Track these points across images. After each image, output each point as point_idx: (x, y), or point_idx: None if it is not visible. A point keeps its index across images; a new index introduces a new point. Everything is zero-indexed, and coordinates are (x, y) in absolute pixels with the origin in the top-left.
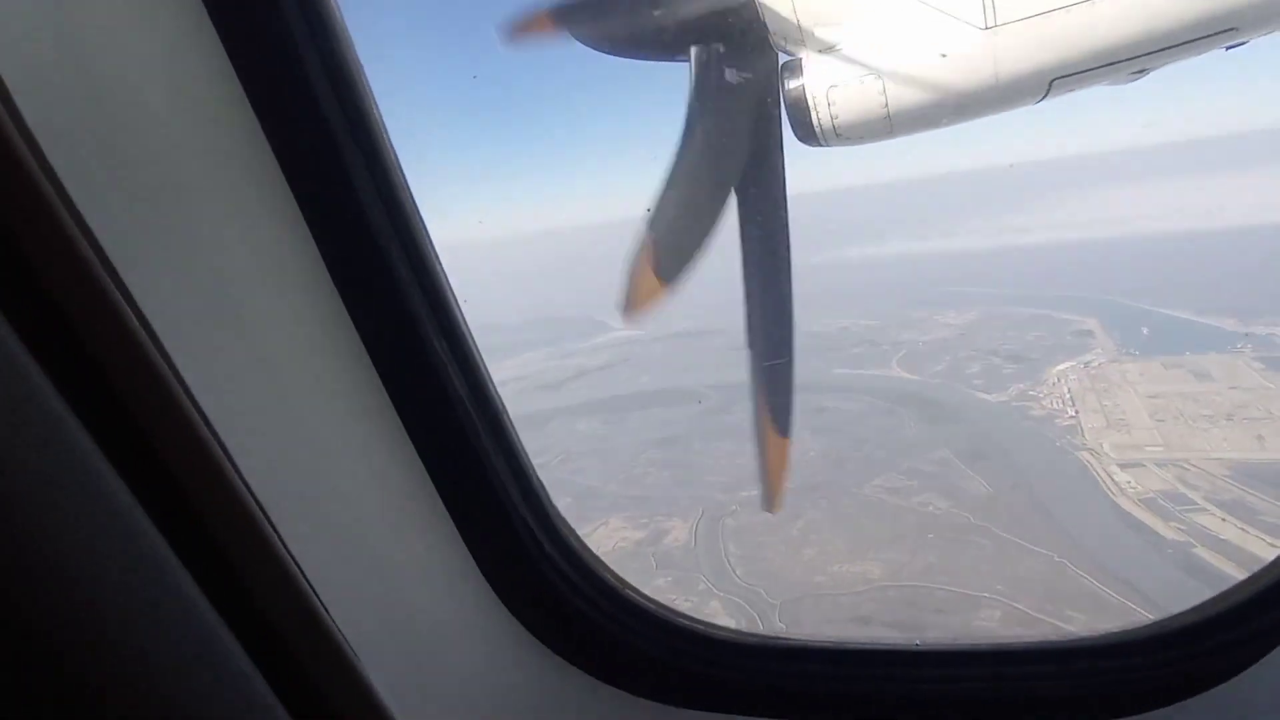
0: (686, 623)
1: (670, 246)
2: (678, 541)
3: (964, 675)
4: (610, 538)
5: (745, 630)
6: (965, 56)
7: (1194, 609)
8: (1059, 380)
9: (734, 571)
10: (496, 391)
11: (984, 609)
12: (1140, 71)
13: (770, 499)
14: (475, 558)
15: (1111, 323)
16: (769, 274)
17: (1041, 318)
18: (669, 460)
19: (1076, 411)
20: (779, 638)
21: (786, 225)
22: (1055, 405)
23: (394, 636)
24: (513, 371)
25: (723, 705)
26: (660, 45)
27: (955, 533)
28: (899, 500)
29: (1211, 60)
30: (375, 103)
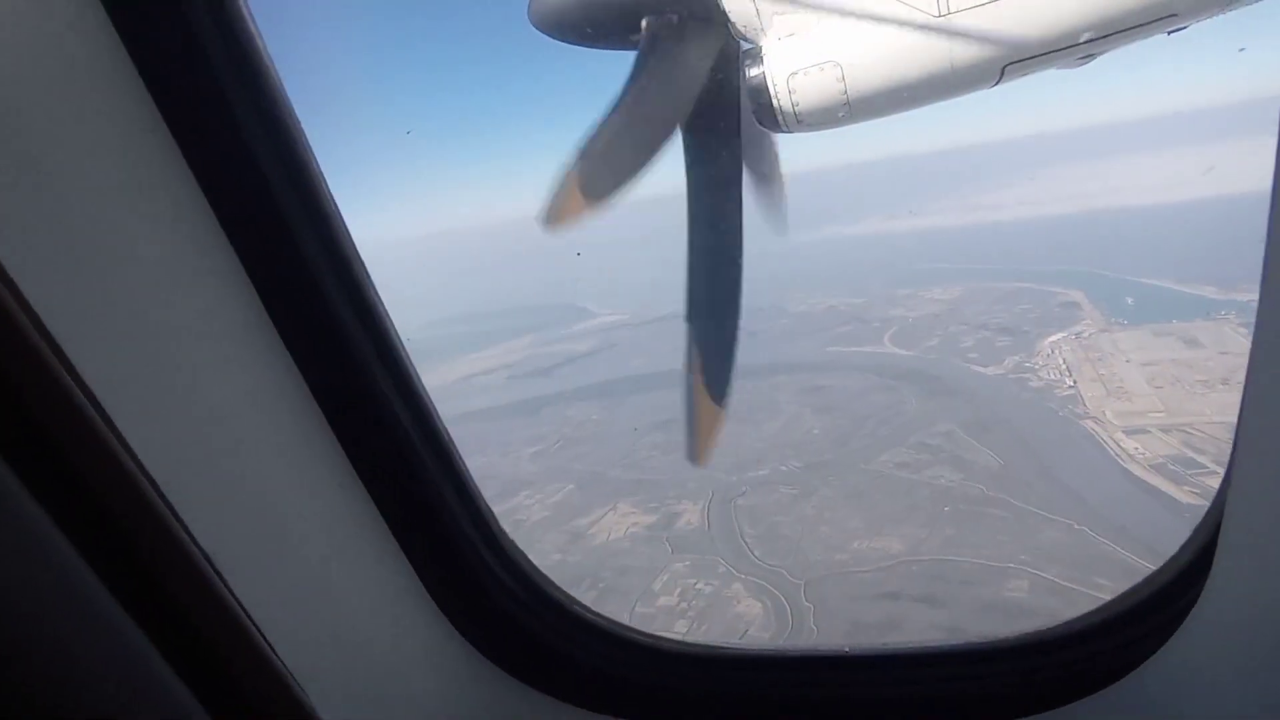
0: (635, 636)
1: (601, 168)
2: (691, 524)
3: (891, 678)
4: (620, 523)
5: (692, 641)
6: (921, 44)
7: (1098, 609)
8: (1053, 351)
9: (752, 553)
10: (442, 422)
11: (1011, 579)
12: (1088, 56)
13: (697, 452)
14: (424, 582)
15: (1096, 294)
16: (718, 250)
17: (1025, 291)
18: (672, 443)
19: (1075, 381)
20: (724, 647)
21: (739, 207)
22: (1053, 376)
23: (345, 666)
24: (500, 359)
25: (674, 715)
26: (619, 32)
27: (971, 505)
28: (910, 474)
29: (1157, 43)
30: (296, 119)
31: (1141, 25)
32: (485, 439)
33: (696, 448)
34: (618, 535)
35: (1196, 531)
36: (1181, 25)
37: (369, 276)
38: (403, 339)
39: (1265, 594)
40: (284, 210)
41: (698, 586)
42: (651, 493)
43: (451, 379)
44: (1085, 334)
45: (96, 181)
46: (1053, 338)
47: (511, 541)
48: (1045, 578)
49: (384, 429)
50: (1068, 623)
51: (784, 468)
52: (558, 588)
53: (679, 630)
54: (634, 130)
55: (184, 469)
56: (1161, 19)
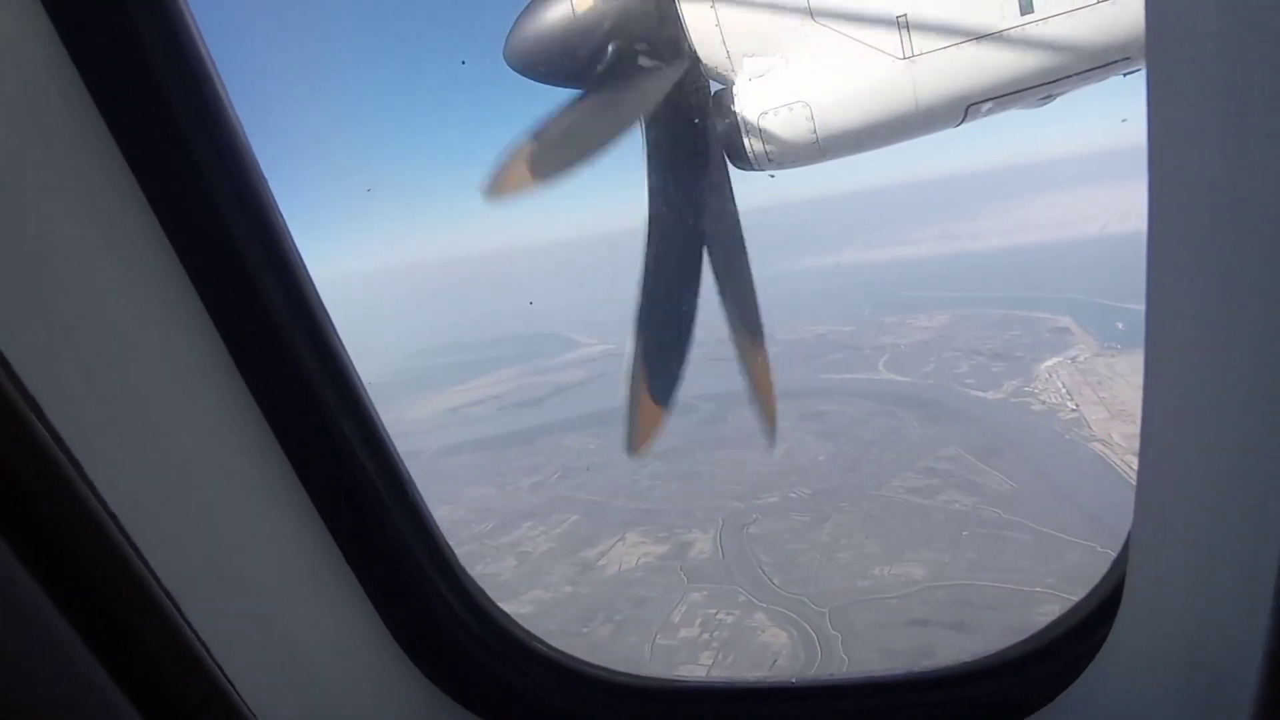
0: (591, 670)
1: (551, 150)
2: (704, 553)
3: (830, 709)
4: (630, 553)
5: (645, 675)
6: (887, 84)
7: (1021, 641)
8: (1051, 376)
9: (771, 581)
10: (401, 460)
11: (1041, 604)
12: (1048, 97)
13: (635, 443)
14: (384, 620)
15: (1084, 319)
16: (682, 258)
17: (1013, 318)
18: (674, 472)
19: (1077, 405)
20: (678, 680)
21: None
22: (1054, 400)
23: (299, 697)
24: (488, 390)
25: None
26: (592, 72)
27: (990, 529)
28: (922, 499)
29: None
30: (241, 129)
31: (1098, 68)
32: (480, 470)
33: (634, 439)
34: (629, 566)
35: (1113, 566)
36: (1136, 68)
37: (329, 320)
38: (363, 379)
39: (1168, 626)
40: (246, 262)
41: (719, 617)
42: (659, 522)
43: (440, 409)
44: (1081, 358)
45: (49, 210)
46: (1049, 362)
47: (469, 576)
48: (1073, 600)
49: (341, 462)
50: (994, 654)
51: (793, 494)
52: (514, 621)
53: (704, 663)
54: (590, 122)
55: (141, 500)
56: (1116, 62)
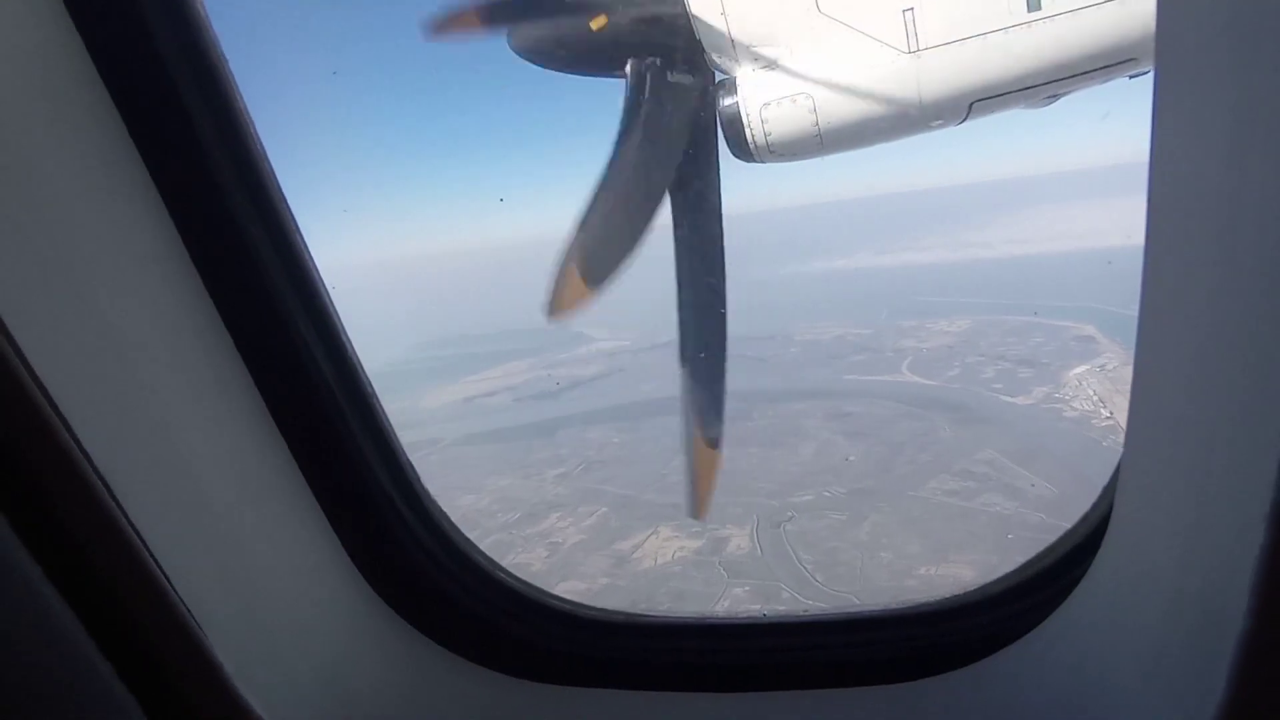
0: (557, 603)
1: (598, 251)
2: (741, 549)
3: (803, 643)
4: (665, 547)
5: (612, 609)
6: (891, 78)
7: (1003, 576)
8: (1080, 383)
9: (814, 578)
10: (366, 376)
11: None
12: (1053, 97)
13: (697, 506)
14: (343, 542)
15: (1107, 328)
16: (702, 286)
17: (1034, 325)
18: None
19: (1111, 412)
20: (643, 615)
21: (721, 238)
22: (1086, 406)
23: (258, 624)
24: (501, 381)
25: (591, 680)
26: (597, 61)
27: (1036, 532)
28: (962, 501)
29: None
30: (249, 118)
31: (1103, 69)
32: (503, 460)
33: (698, 504)
34: (665, 559)
35: (1099, 498)
36: (1143, 70)
37: (309, 252)
38: (369, 368)
39: (1154, 556)
40: (245, 231)
41: (763, 614)
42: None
43: (454, 399)
44: (1110, 366)
45: (62, 198)
46: (1077, 370)
47: (436, 503)
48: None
49: (305, 378)
50: (975, 589)
51: (827, 493)
52: (482, 552)
53: None
54: (625, 207)
55: (117, 440)
56: (1122, 63)
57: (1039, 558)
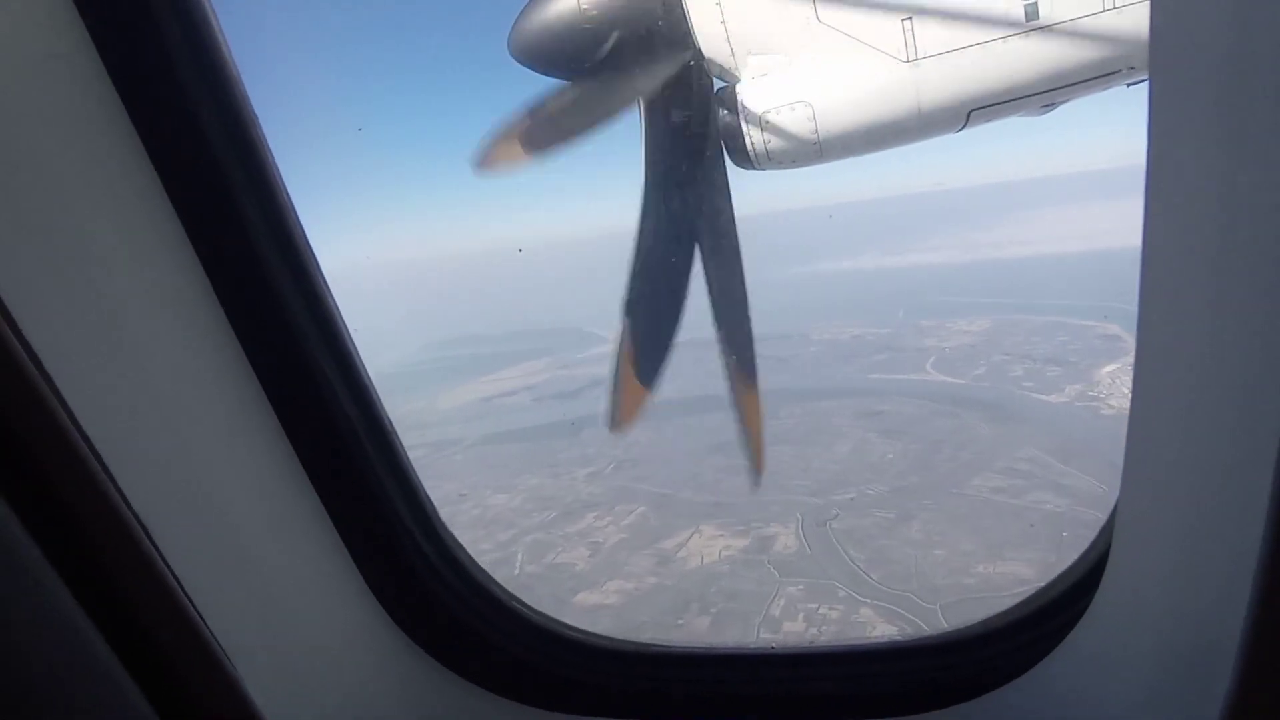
0: (571, 633)
1: (545, 124)
2: (789, 548)
3: (811, 674)
4: (710, 545)
5: (622, 639)
6: (890, 87)
7: (1005, 611)
8: (1114, 381)
9: (869, 576)
10: (385, 411)
11: None
12: (1050, 105)
13: (618, 420)
14: (362, 572)
15: (1131, 326)
16: (665, 246)
17: (1057, 324)
18: (736, 467)
19: None
20: (652, 645)
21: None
22: (1123, 404)
23: (279, 652)
24: (519, 381)
25: (606, 710)
26: (598, 70)
27: (1092, 530)
28: (1010, 499)
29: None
30: (257, 123)
31: (1101, 77)
32: (530, 459)
33: (618, 416)
34: (711, 558)
35: (1099, 535)
36: (1140, 78)
37: (320, 269)
38: (350, 330)
39: (1152, 592)
40: (243, 211)
41: (821, 611)
42: (733, 515)
43: (472, 399)
44: None
45: (73, 198)
46: (1109, 368)
47: (451, 534)
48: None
49: (327, 417)
50: (977, 623)
51: (870, 491)
52: (495, 582)
53: None
54: (588, 102)
55: (134, 453)
56: (1120, 71)
57: (1042, 592)
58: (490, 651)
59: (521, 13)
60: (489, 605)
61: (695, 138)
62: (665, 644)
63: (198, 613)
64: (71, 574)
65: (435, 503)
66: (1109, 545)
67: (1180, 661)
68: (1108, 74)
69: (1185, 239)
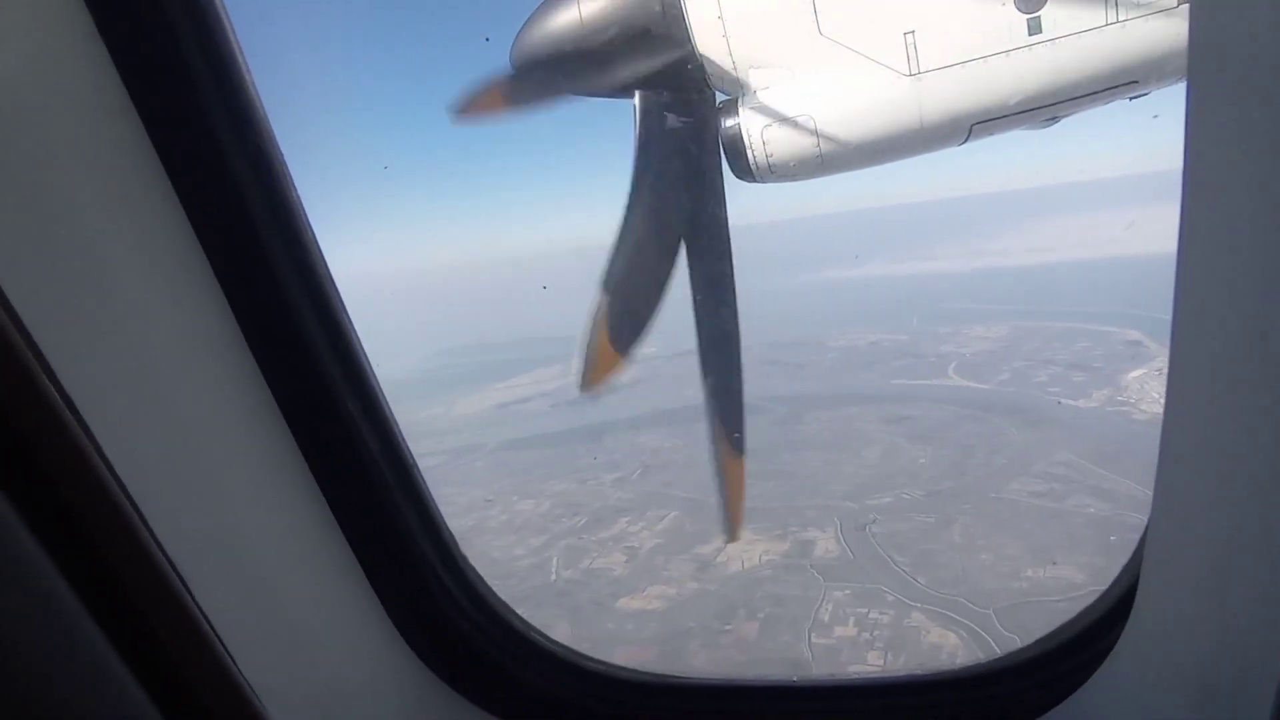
0: (590, 664)
1: (623, 317)
2: (830, 552)
3: (833, 708)
4: (749, 551)
5: (642, 670)
6: (892, 101)
7: (1029, 645)
8: (1142, 386)
9: (916, 580)
10: (408, 446)
11: None
12: (1053, 118)
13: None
14: (385, 606)
15: (1152, 332)
16: (715, 304)
17: (1077, 330)
18: (765, 472)
19: None
20: (673, 676)
21: (729, 254)
22: (1154, 409)
23: (305, 686)
24: (535, 387)
25: None
26: (600, 81)
27: (1138, 535)
28: (1051, 503)
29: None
30: (270, 130)
31: (1104, 90)
32: (554, 465)
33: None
34: (752, 563)
35: (1126, 567)
36: (1143, 91)
37: (343, 305)
38: (372, 363)
39: (1182, 625)
40: (263, 240)
41: (871, 616)
42: (769, 520)
43: (488, 405)
44: (1167, 370)
45: (82, 198)
46: (1135, 373)
47: (471, 566)
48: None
49: (350, 451)
50: (1005, 656)
51: (906, 495)
52: (517, 615)
53: (874, 662)
54: (642, 269)
55: (158, 485)
56: (1123, 85)
57: (1072, 623)
58: (508, 681)
59: (524, 24)
60: (507, 636)
61: (695, 150)
62: (686, 675)
63: (202, 613)
64: (86, 589)
65: (461, 508)
66: (1138, 575)
67: (1215, 694)
68: (1112, 88)
69: (1221, 241)
